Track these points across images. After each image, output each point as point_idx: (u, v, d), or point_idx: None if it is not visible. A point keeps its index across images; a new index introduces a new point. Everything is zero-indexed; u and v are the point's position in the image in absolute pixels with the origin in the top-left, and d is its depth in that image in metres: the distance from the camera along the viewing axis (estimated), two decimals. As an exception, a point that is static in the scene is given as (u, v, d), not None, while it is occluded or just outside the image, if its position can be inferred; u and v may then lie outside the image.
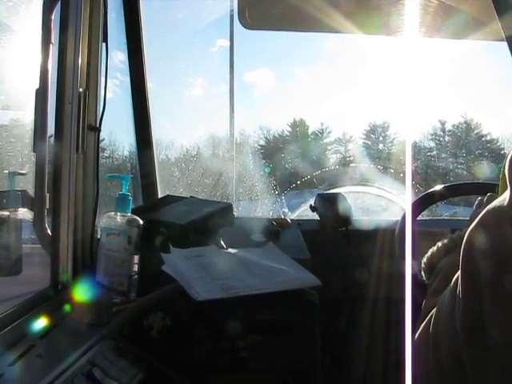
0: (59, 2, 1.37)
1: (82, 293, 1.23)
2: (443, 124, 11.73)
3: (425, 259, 1.12)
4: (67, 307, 1.23)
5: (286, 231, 1.92)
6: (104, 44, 1.53)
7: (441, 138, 11.79)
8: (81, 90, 1.42)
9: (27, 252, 1.35)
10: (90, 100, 1.47)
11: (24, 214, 1.35)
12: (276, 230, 1.87)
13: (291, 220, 2.08)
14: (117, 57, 2.17)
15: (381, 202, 2.60)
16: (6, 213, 1.30)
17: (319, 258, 1.53)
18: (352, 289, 1.91)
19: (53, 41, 1.36)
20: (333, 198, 2.07)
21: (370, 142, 12.22)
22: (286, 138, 12.40)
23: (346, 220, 1.99)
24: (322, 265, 1.40)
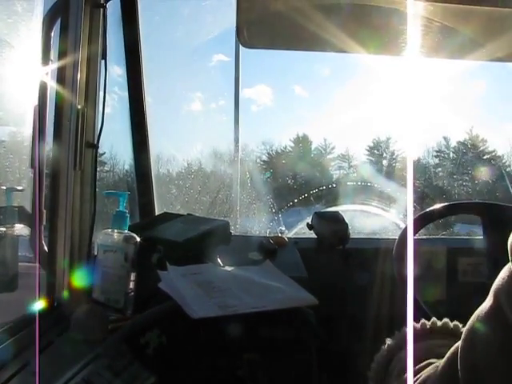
0: (59, 19, 1.38)
1: (77, 310, 1.22)
2: (447, 141, 11.73)
3: (373, 366, 1.03)
4: (63, 324, 1.22)
5: (283, 249, 1.91)
6: (103, 61, 1.54)
7: (441, 155, 11.81)
8: (79, 106, 1.42)
9: (23, 269, 1.34)
10: (89, 117, 1.47)
11: (21, 230, 1.35)
12: (273, 248, 1.86)
13: (288, 238, 2.08)
14: (115, 72, 2.19)
15: (378, 220, 2.60)
16: (2, 229, 1.30)
17: (316, 277, 1.52)
18: (349, 307, 1.91)
19: (52, 57, 1.36)
20: (330, 216, 2.08)
21: (373, 159, 12.22)
22: (289, 154, 12.39)
23: (343, 238, 1.99)
24: (319, 283, 1.39)
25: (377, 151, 12.22)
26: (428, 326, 1.01)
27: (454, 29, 1.57)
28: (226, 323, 1.14)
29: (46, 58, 1.35)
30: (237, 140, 3.58)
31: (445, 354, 0.72)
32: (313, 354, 1.21)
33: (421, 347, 0.95)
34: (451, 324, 0.99)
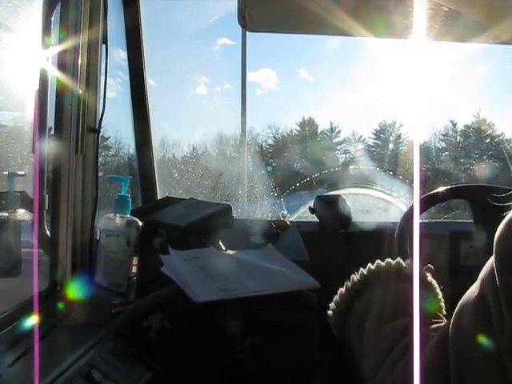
0: (59, 3, 1.37)
1: (80, 294, 1.23)
2: (454, 124, 11.64)
3: (333, 306, 1.05)
4: (66, 309, 1.23)
5: (285, 233, 1.92)
6: (104, 45, 1.53)
7: (448, 139, 11.71)
8: (80, 91, 1.42)
9: (26, 254, 1.35)
10: (90, 101, 1.47)
11: (23, 215, 1.35)
12: (275, 231, 1.87)
13: (290, 222, 2.08)
14: (118, 56, 2.18)
15: (380, 203, 2.60)
16: (5, 214, 1.30)
17: (318, 260, 1.53)
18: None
19: (53, 42, 1.36)
20: (332, 200, 2.08)
21: (379, 142, 12.13)
22: (295, 138, 12.31)
23: (345, 222, 2.00)
24: (321, 267, 1.40)
25: (383, 135, 12.13)
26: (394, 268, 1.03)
27: (459, 12, 1.55)
28: (228, 307, 1.15)
29: (46, 43, 1.34)
30: (244, 123, 3.53)
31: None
32: (315, 337, 1.21)
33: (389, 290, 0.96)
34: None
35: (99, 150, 1.53)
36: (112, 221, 1.40)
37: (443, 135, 11.65)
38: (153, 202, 2.09)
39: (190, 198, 1.82)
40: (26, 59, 1.40)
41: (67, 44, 1.37)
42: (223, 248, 1.52)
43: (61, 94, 1.37)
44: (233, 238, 1.60)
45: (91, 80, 1.48)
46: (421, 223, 2.06)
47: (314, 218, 2.12)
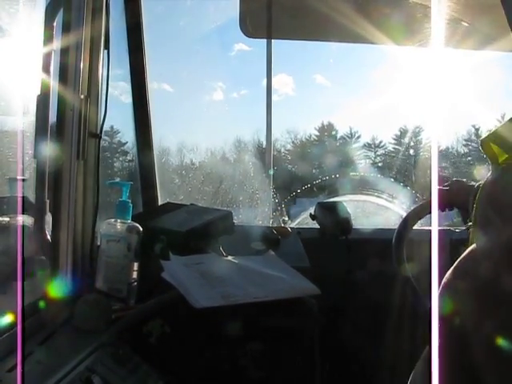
0: (61, 8, 1.38)
1: (81, 299, 1.23)
2: (477, 129, 11.58)
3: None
4: (66, 314, 1.23)
5: (285, 239, 1.91)
6: (106, 51, 1.53)
7: (471, 144, 11.56)
8: (82, 96, 1.42)
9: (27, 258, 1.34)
10: (92, 107, 1.47)
11: (24, 219, 1.35)
12: (276, 238, 1.86)
13: (291, 228, 2.08)
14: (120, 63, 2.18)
15: (381, 210, 2.59)
16: (6, 219, 1.30)
17: (319, 267, 1.53)
18: (351, 297, 1.91)
19: (55, 47, 1.36)
20: (333, 207, 2.07)
21: (400, 148, 12.04)
22: (314, 143, 12.23)
23: (345, 229, 1.99)
24: (321, 273, 1.40)
25: (403, 140, 11.99)
26: None
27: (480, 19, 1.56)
28: (229, 313, 1.15)
29: (47, 48, 1.35)
30: (269, 126, 3.48)
31: None
32: (315, 343, 1.21)
33: None
34: None
35: (107, 154, 1.53)
36: (113, 226, 1.40)
37: (465, 140, 11.59)
38: (154, 208, 2.09)
39: (191, 204, 1.82)
40: (27, 64, 1.41)
41: (69, 49, 1.37)
42: (224, 254, 1.52)
43: (62, 99, 1.37)
44: (234, 244, 1.60)
45: (93, 85, 1.49)
46: (421, 230, 2.06)
47: (315, 225, 2.11)
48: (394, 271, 1.63)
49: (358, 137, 12.73)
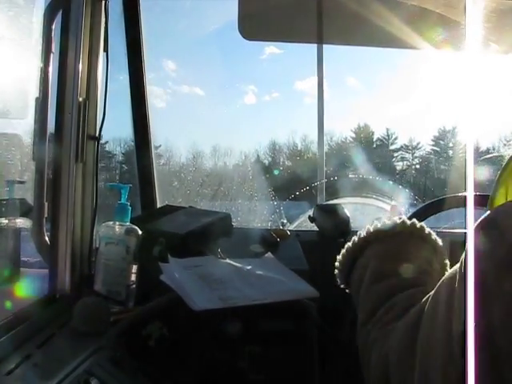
0: (60, 12, 1.38)
1: (79, 302, 1.23)
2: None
3: (340, 258, 1.11)
4: (65, 316, 1.23)
5: (284, 242, 1.91)
6: (105, 53, 1.53)
7: None
8: (81, 99, 1.42)
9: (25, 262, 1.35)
10: (90, 109, 1.47)
11: (23, 222, 1.35)
12: (274, 240, 1.86)
13: (290, 231, 2.07)
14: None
15: (380, 213, 2.59)
16: (4, 221, 1.30)
17: (317, 269, 1.52)
18: (350, 300, 1.91)
19: (53, 50, 1.36)
20: (331, 209, 2.07)
21: (439, 149, 11.92)
22: (350, 145, 12.14)
23: (344, 231, 1.99)
24: (320, 276, 1.39)
25: (442, 141, 11.84)
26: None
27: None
28: (227, 315, 1.15)
29: (47, 50, 1.35)
30: (321, 124, 3.42)
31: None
32: (314, 346, 1.21)
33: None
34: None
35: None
36: (111, 229, 1.40)
37: (507, 141, 11.55)
38: (152, 210, 2.09)
39: (190, 206, 1.82)
40: (26, 67, 1.41)
41: (68, 51, 1.37)
42: (223, 256, 1.52)
43: (61, 101, 1.37)
44: (232, 246, 1.60)
45: (91, 88, 1.49)
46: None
47: (314, 227, 2.11)
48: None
49: (395, 138, 12.62)
